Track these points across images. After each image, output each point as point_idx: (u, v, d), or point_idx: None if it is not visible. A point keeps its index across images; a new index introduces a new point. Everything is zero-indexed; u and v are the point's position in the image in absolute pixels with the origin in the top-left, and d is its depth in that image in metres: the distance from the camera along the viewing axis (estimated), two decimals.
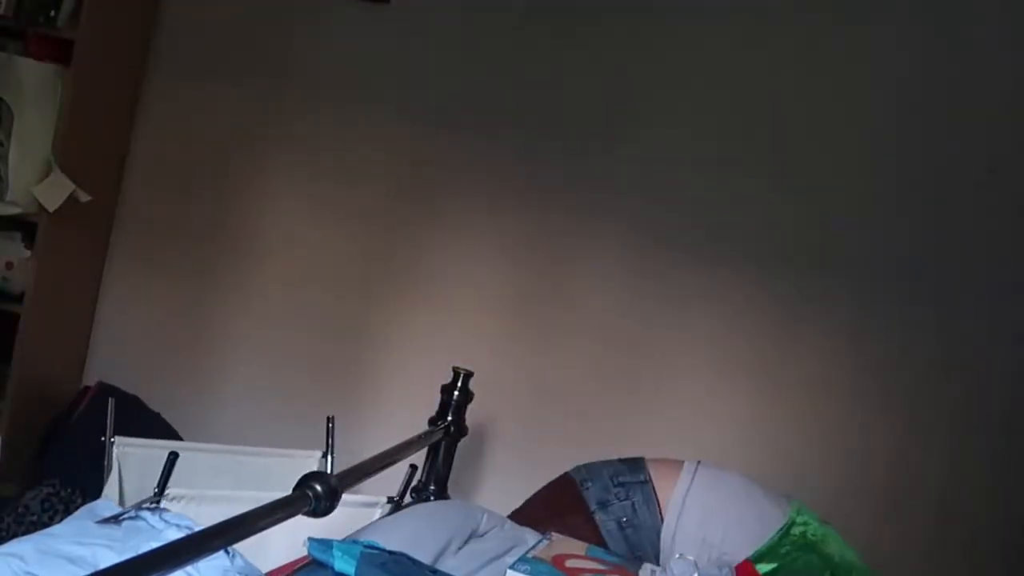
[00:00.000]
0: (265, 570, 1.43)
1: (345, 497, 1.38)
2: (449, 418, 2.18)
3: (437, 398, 2.22)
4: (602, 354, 2.75)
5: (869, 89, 2.59)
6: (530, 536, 1.79)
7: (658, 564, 1.83)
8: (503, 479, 2.76)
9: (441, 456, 2.19)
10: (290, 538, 1.42)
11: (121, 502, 1.80)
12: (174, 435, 2.89)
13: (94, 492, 1.89)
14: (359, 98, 2.90)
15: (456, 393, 2.19)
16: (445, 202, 2.85)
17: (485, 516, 1.82)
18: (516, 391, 2.77)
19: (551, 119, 2.78)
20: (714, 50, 2.68)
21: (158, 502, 1.61)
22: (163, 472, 1.65)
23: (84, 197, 2.75)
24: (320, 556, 1.33)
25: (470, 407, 2.24)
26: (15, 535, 1.71)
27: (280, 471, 2.06)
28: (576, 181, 2.76)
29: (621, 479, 1.98)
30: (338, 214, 2.92)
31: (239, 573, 1.37)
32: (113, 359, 3.04)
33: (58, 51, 2.72)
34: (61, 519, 1.60)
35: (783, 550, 1.84)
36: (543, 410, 2.78)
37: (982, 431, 2.52)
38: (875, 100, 2.59)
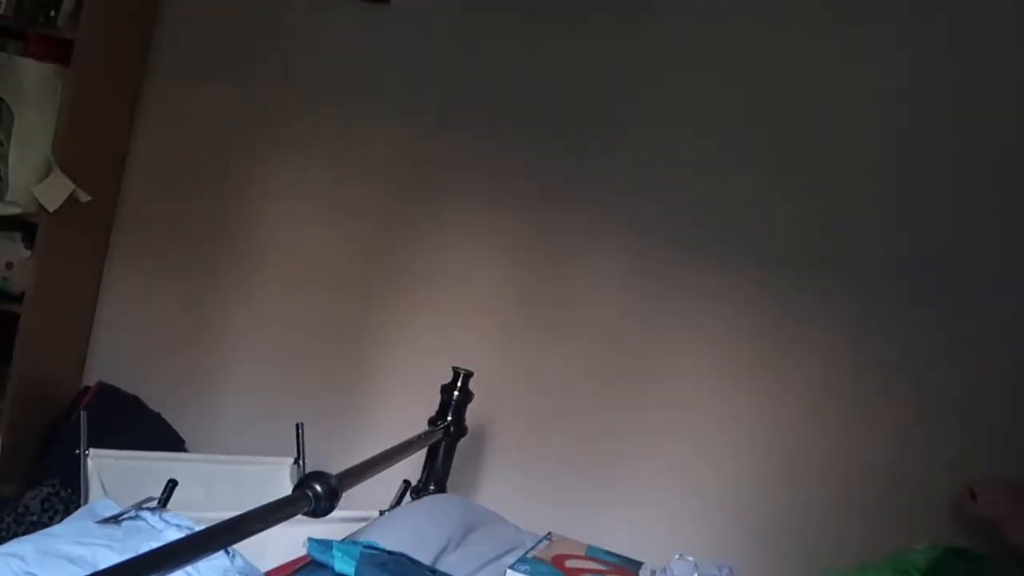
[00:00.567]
0: (265, 570, 1.43)
1: (337, 513, 1.38)
2: (449, 418, 2.18)
3: (437, 398, 2.23)
4: (602, 354, 2.74)
5: (869, 89, 2.59)
6: (529, 537, 1.79)
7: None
8: (503, 479, 2.76)
9: (441, 456, 2.19)
10: (290, 539, 1.43)
11: None
12: (174, 435, 2.90)
13: None
14: (359, 98, 2.90)
15: (456, 393, 2.20)
16: (445, 202, 2.85)
17: (483, 512, 1.82)
18: (516, 391, 2.77)
19: (551, 119, 2.78)
20: (714, 50, 2.68)
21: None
22: (161, 500, 1.67)
23: (84, 197, 2.75)
24: (320, 557, 1.33)
25: (470, 407, 2.24)
26: (15, 535, 1.71)
27: (251, 480, 2.08)
28: (576, 181, 2.76)
29: None
30: (338, 214, 2.92)
31: (239, 573, 1.37)
32: (113, 359, 3.04)
33: (58, 51, 2.72)
34: (61, 519, 1.60)
35: None
36: (543, 410, 2.78)
37: (983, 431, 2.52)
38: (875, 100, 2.59)
